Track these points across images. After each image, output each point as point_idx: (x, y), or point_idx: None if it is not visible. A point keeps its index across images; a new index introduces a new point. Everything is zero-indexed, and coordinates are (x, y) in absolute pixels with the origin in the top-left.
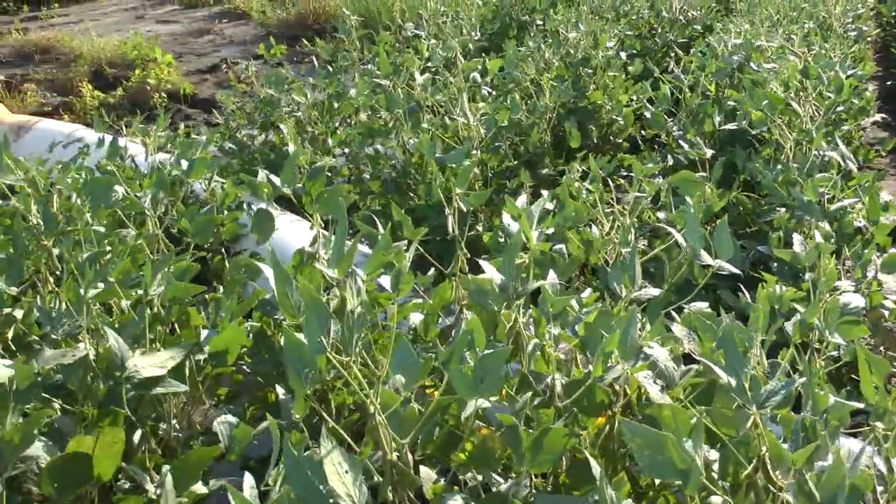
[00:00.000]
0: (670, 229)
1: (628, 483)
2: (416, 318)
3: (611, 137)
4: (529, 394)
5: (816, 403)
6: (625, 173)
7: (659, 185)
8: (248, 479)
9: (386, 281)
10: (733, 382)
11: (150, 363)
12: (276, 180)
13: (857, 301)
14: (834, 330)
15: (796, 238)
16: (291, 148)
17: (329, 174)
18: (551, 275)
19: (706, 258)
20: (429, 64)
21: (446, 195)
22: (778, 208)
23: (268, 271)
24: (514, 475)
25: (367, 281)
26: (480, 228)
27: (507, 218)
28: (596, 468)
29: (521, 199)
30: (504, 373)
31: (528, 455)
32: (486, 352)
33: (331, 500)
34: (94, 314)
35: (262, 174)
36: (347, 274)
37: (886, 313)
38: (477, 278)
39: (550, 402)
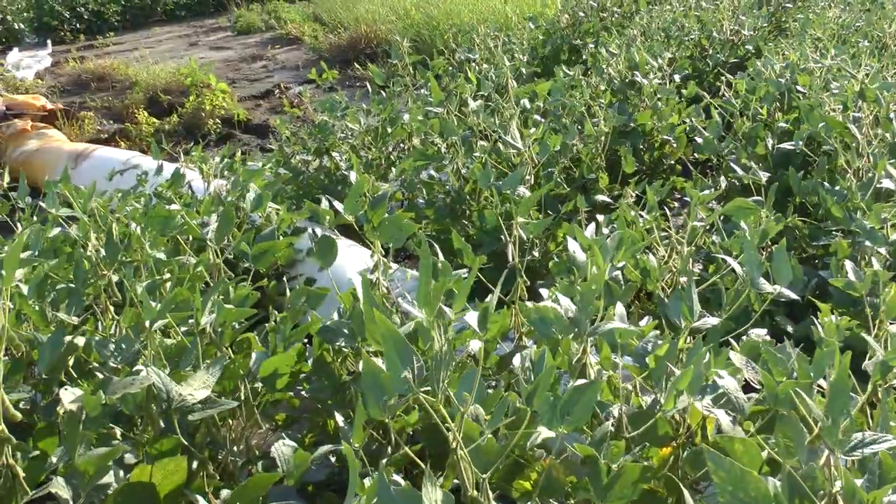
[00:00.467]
0: (727, 258)
1: None
2: (474, 346)
3: (663, 161)
4: (608, 424)
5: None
6: (678, 195)
7: (714, 211)
8: None
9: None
10: (828, 422)
11: (192, 388)
12: (339, 207)
13: None
14: None
15: (849, 265)
16: (353, 176)
17: None
18: (620, 308)
19: (765, 286)
20: (480, 90)
21: (506, 222)
22: (835, 233)
23: (330, 297)
24: (572, 503)
25: (454, 318)
26: (536, 254)
27: (573, 245)
28: None
29: (591, 229)
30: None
31: (607, 489)
32: (577, 383)
33: None
34: (153, 342)
35: (324, 201)
36: (437, 312)
37: None
38: (539, 306)
39: (618, 432)
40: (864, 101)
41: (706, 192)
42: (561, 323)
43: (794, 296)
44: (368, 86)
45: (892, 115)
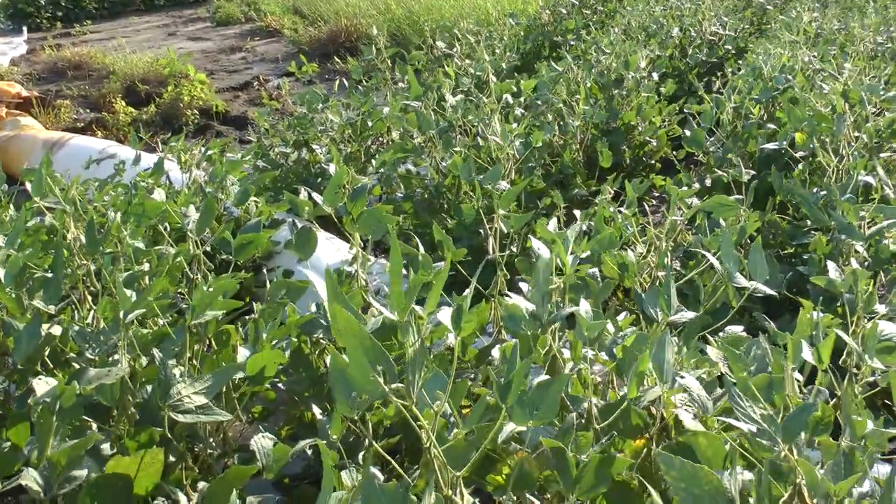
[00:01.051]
0: (706, 253)
1: None
2: (452, 339)
3: (643, 158)
4: (574, 415)
5: (854, 430)
6: (657, 194)
7: (694, 208)
8: None
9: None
10: (757, 416)
11: (194, 391)
12: (319, 199)
13: (893, 329)
14: (873, 355)
15: (831, 265)
16: (333, 168)
17: None
18: (584, 303)
19: (741, 281)
20: (461, 84)
21: (487, 216)
22: (814, 231)
23: (311, 289)
24: (548, 496)
25: (426, 318)
26: (515, 249)
27: (536, 242)
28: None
29: (552, 223)
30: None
31: (576, 481)
32: (543, 378)
33: None
34: (130, 333)
35: (303, 192)
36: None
37: None
38: (508, 304)
39: (588, 425)
40: (847, 101)
41: (685, 188)
42: (525, 319)
43: (770, 291)
44: (345, 80)
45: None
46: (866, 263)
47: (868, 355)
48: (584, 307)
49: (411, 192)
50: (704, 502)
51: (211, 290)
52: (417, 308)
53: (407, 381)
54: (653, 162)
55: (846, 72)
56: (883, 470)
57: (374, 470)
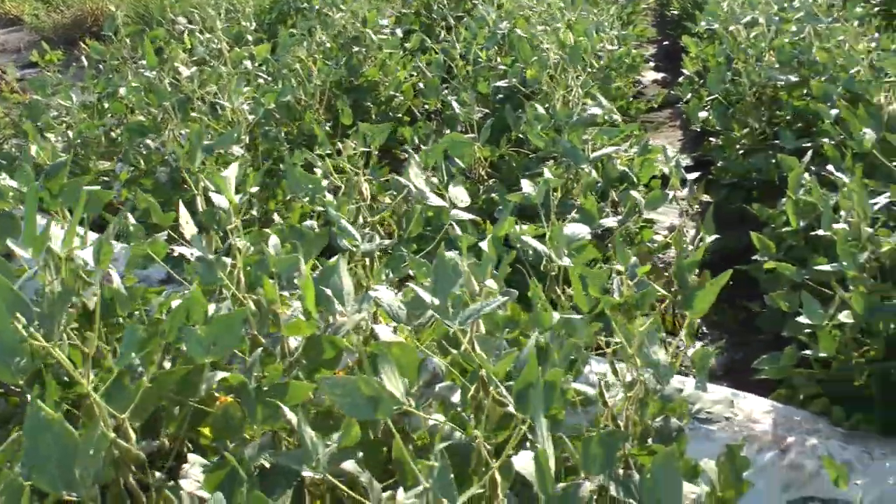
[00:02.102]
0: (401, 178)
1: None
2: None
3: (390, 113)
4: (259, 350)
5: (540, 321)
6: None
7: (431, 147)
8: None
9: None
10: (437, 302)
11: None
12: (13, 182)
13: (582, 230)
14: (562, 254)
15: (525, 181)
16: (34, 149)
17: (107, 178)
18: (272, 239)
19: (436, 200)
20: (197, 55)
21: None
22: (548, 161)
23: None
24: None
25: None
26: (255, 212)
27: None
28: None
29: (232, 168)
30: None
31: (258, 413)
32: (220, 314)
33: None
34: None
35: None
36: (45, 251)
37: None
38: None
39: (283, 359)
40: (573, 33)
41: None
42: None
43: (468, 216)
44: (85, 60)
45: (598, 52)
46: (598, 184)
47: (556, 254)
48: (273, 242)
49: (151, 168)
50: (362, 406)
51: None
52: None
53: (45, 322)
54: (400, 116)
55: (571, 13)
56: (598, 367)
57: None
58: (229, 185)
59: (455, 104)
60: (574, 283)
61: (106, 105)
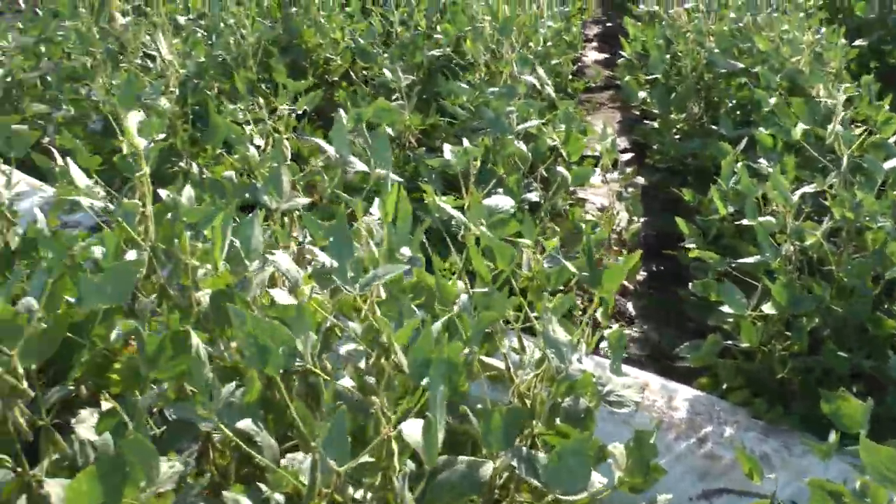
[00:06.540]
0: (320, 141)
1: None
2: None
3: (326, 77)
4: (152, 297)
5: (444, 291)
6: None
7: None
8: None
9: None
10: (335, 265)
11: None
12: None
13: (506, 202)
14: (479, 224)
15: (446, 147)
16: None
17: (42, 122)
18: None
19: (358, 164)
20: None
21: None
22: (480, 131)
23: None
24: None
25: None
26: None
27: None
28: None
29: (132, 115)
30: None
31: (152, 360)
32: (116, 263)
33: None
34: None
35: None
36: None
37: (583, 226)
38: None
39: (189, 311)
40: (508, 4)
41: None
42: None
43: (397, 179)
44: (22, 3)
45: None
46: (529, 158)
47: (474, 224)
48: (187, 193)
49: (79, 115)
50: (271, 353)
51: None
52: None
53: None
54: (336, 80)
55: None
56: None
57: None
58: (133, 130)
59: (387, 71)
60: (472, 252)
61: (43, 49)
